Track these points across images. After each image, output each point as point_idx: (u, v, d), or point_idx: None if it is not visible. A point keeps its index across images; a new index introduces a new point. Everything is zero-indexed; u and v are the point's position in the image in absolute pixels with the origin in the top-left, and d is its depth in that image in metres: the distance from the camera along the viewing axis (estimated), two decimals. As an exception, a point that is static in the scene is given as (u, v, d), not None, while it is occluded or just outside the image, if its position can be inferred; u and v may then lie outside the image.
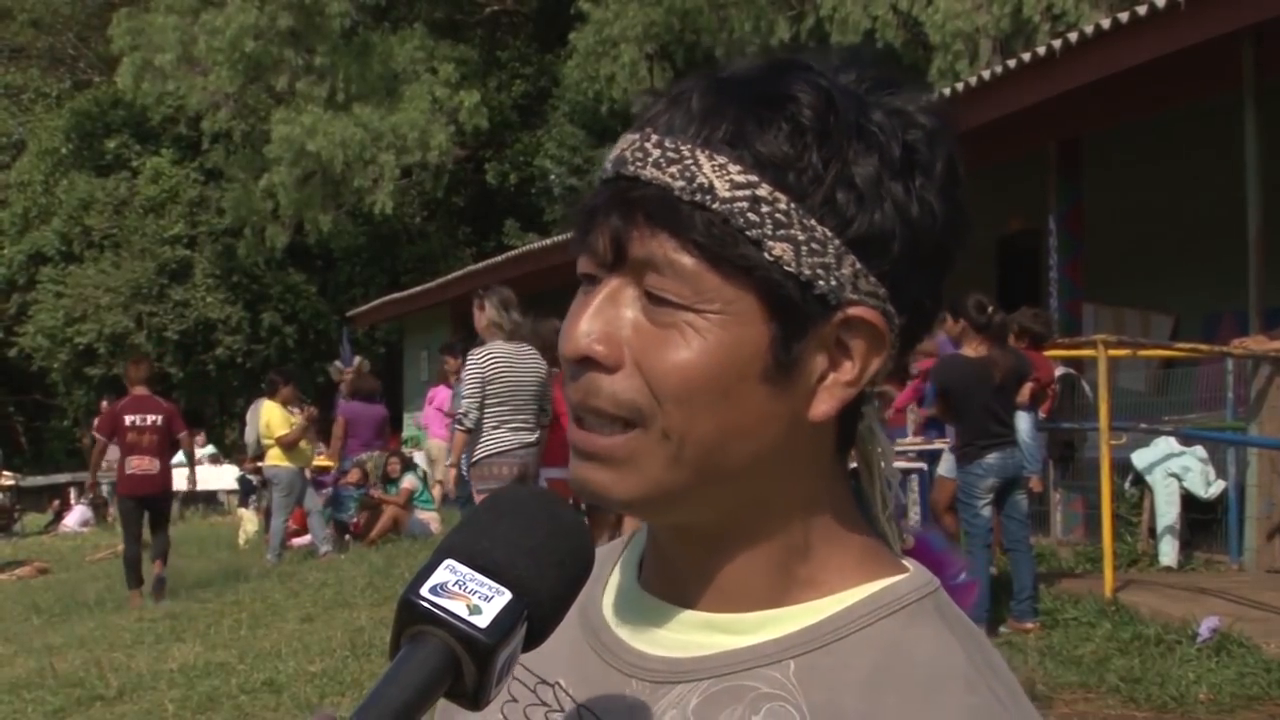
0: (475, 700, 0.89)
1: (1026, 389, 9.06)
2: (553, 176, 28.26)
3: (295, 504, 14.73)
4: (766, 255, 0.93)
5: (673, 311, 0.94)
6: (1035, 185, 12.30)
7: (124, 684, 8.22)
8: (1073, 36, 10.18)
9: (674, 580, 1.04)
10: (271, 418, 14.54)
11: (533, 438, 8.66)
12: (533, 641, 0.91)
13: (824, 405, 0.97)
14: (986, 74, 11.38)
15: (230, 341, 32.70)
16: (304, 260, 32.85)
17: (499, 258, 22.44)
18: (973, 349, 8.29)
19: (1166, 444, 10.36)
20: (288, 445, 14.39)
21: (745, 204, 0.93)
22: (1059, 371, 10.71)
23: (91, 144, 34.54)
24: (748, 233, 0.93)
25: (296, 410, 15.21)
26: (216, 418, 34.89)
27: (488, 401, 8.55)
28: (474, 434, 8.58)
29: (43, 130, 35.54)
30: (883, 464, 1.07)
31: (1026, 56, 10.72)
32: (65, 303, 32.55)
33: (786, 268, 0.94)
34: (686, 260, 0.94)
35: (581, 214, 0.99)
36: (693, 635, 1.01)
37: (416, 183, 29.37)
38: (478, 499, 8.65)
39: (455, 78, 27.11)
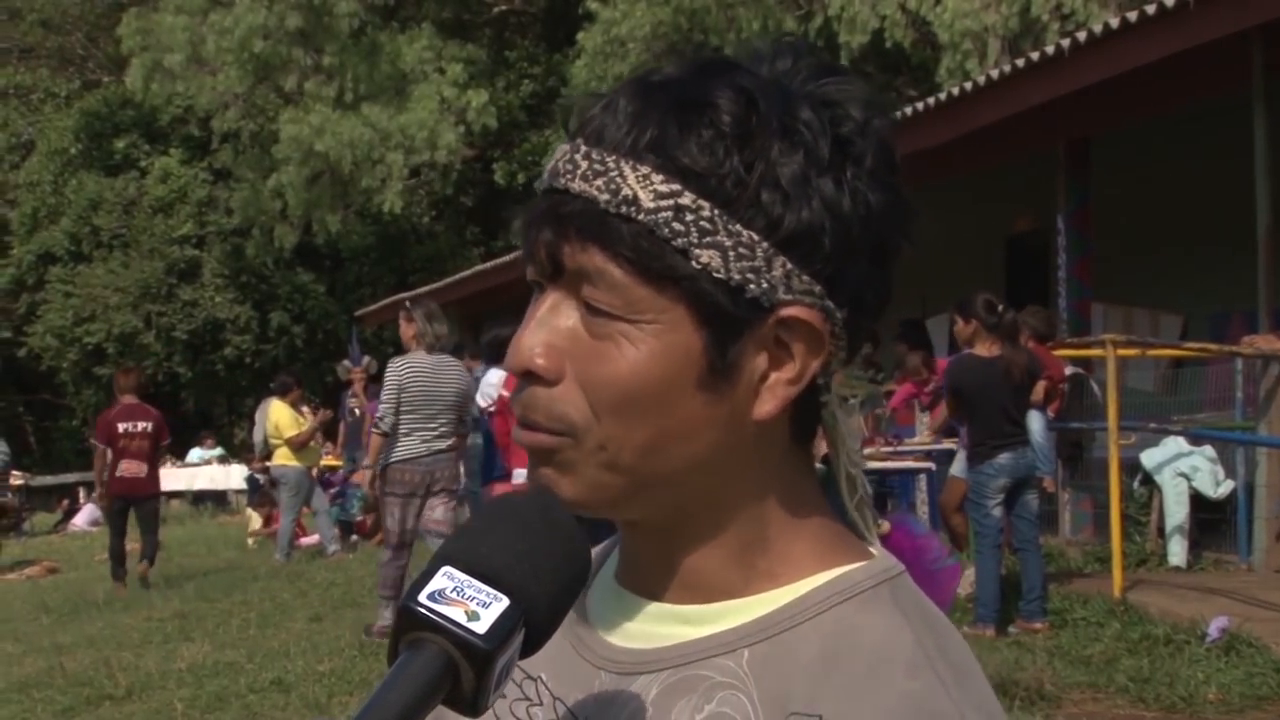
0: (473, 706, 0.90)
1: (1040, 387, 9.05)
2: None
3: (303, 504, 14.76)
4: (694, 264, 0.95)
5: (608, 322, 0.96)
6: (1044, 185, 12.27)
7: (133, 683, 8.23)
8: (1081, 36, 10.16)
9: (642, 574, 1.06)
10: (280, 418, 14.61)
11: (444, 445, 9.08)
12: (531, 646, 0.92)
13: (768, 405, 0.99)
14: (995, 73, 11.36)
15: (239, 341, 32.75)
16: (312, 260, 32.88)
17: (507, 257, 22.42)
18: (985, 349, 8.29)
19: (1175, 444, 10.34)
20: (298, 445, 14.45)
21: (670, 214, 0.95)
22: (1068, 371, 10.69)
23: (100, 144, 34.58)
24: (674, 242, 0.95)
25: (306, 410, 15.31)
26: (225, 417, 34.96)
27: (402, 410, 8.95)
28: (389, 438, 9.00)
29: (52, 130, 35.59)
30: (845, 454, 1.07)
31: (1035, 56, 10.70)
32: (74, 302, 32.60)
33: (715, 274, 0.95)
34: (616, 272, 0.96)
35: (523, 225, 1.02)
36: (658, 627, 1.03)
37: (425, 182, 29.38)
38: (384, 503, 9.26)
39: (463, 78, 27.09)
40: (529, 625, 0.90)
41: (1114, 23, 9.87)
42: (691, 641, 1.01)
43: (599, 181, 0.96)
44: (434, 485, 9.16)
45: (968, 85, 11.50)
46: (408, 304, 9.56)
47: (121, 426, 13.44)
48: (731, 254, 0.95)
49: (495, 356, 10.26)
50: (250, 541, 17.81)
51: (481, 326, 19.56)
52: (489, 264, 23.35)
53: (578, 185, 0.97)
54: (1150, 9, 9.35)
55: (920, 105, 11.87)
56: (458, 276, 23.53)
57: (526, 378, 0.99)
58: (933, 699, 0.93)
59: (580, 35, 24.05)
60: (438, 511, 9.22)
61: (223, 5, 26.50)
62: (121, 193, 33.58)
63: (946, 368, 8.88)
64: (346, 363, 18.52)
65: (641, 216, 0.95)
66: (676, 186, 0.95)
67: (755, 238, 0.95)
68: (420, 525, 9.23)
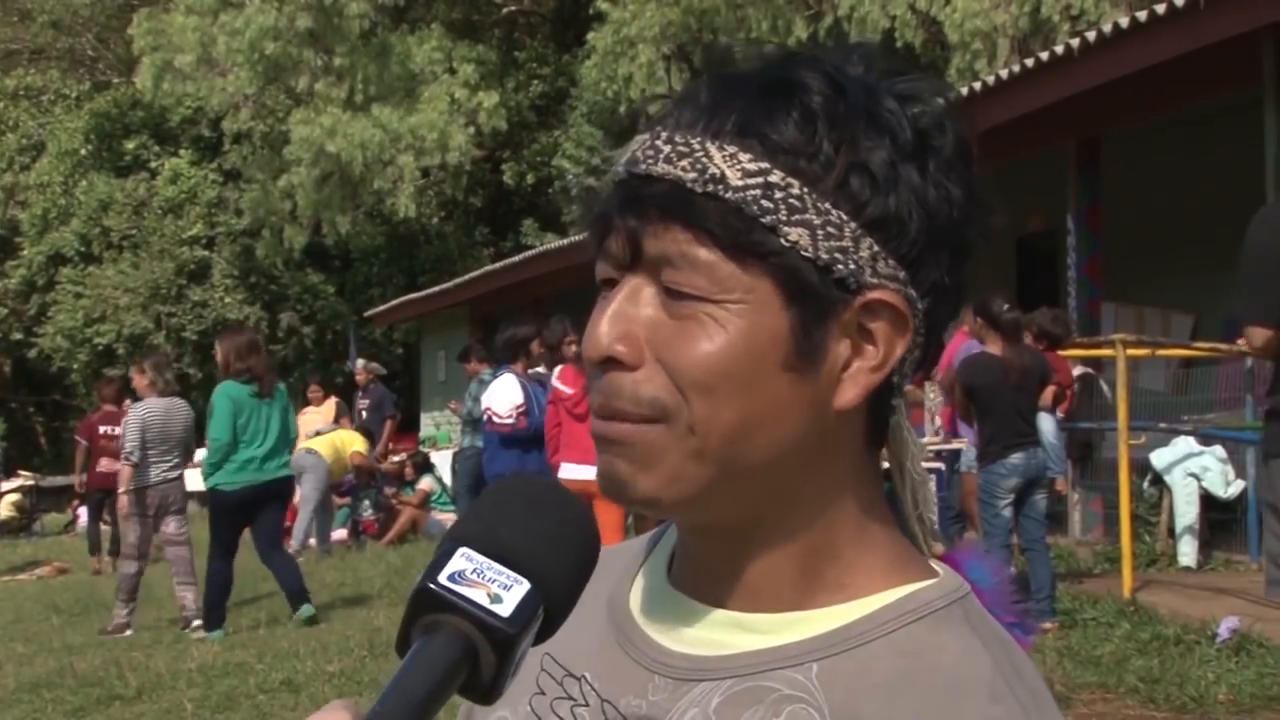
0: (489, 693, 0.87)
1: (1049, 392, 9.03)
2: (570, 176, 28.26)
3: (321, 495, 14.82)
4: (782, 241, 0.93)
5: (692, 304, 0.94)
6: (1054, 184, 12.26)
7: (143, 683, 8.24)
8: (1091, 35, 10.15)
9: (702, 578, 1.03)
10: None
11: (175, 474, 10.98)
12: (544, 634, 0.89)
13: (850, 393, 0.97)
14: (1005, 73, 11.35)
15: (249, 342, 32.76)
16: (322, 261, 32.89)
17: (516, 258, 22.46)
18: (996, 347, 8.29)
19: (1186, 444, 10.32)
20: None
21: (758, 191, 0.93)
22: (1077, 371, 10.67)
23: (111, 145, 34.61)
24: (762, 219, 0.93)
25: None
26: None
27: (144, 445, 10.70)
28: (137, 469, 10.68)
29: (62, 131, 35.62)
30: (910, 464, 1.06)
31: (1045, 55, 10.69)
32: (84, 303, 32.63)
33: (804, 252, 0.93)
34: (702, 252, 0.93)
35: (596, 220, 0.99)
36: (718, 634, 1.01)
37: (435, 183, 29.39)
38: (127, 521, 10.92)
39: (474, 79, 27.10)
40: (546, 610, 0.88)
41: (1124, 22, 9.85)
42: (757, 651, 0.98)
43: (684, 162, 0.94)
44: (168, 506, 10.94)
45: (977, 85, 11.49)
46: (139, 359, 11.88)
47: (101, 429, 15.27)
48: (820, 232, 0.94)
49: (511, 356, 10.27)
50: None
51: (489, 327, 19.59)
52: (499, 264, 23.38)
53: (661, 168, 0.95)
54: (1160, 8, 9.33)
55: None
56: (467, 277, 23.55)
57: (605, 364, 0.97)
58: None
59: (590, 35, 24.08)
60: (171, 526, 11.04)
61: (233, 6, 26.53)
62: (131, 194, 33.59)
63: (960, 366, 8.86)
64: (360, 361, 18.67)
65: (729, 195, 0.93)
66: (765, 165, 0.93)
67: (843, 217, 0.94)
68: (159, 537, 11.18)
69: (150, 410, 10.78)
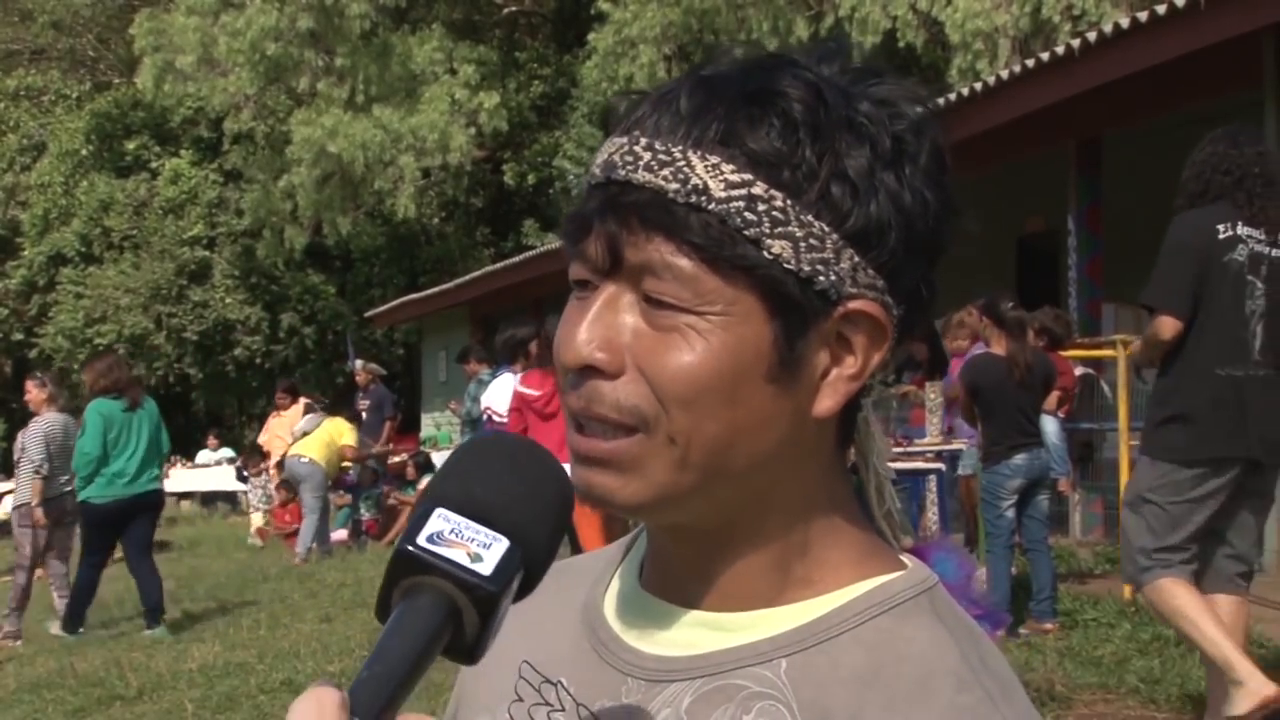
0: (473, 653, 0.87)
1: (1053, 397, 9.02)
2: (571, 177, 28.27)
3: (323, 502, 14.81)
4: (765, 254, 0.93)
5: (673, 315, 0.94)
6: (1055, 184, 12.26)
7: (143, 684, 8.24)
8: (1092, 35, 10.15)
9: (673, 580, 1.04)
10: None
11: (69, 487, 11.08)
12: (523, 591, 0.89)
13: (828, 401, 0.97)
14: (1006, 73, 11.34)
15: (249, 342, 32.79)
16: (323, 261, 32.92)
17: (517, 258, 22.47)
18: (1000, 345, 8.28)
19: (1186, 444, 10.29)
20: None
21: (741, 203, 0.92)
22: (1078, 372, 10.66)
23: (111, 145, 34.65)
24: (745, 232, 0.93)
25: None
26: (235, 418, 35.00)
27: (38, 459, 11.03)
28: (47, 481, 11.08)
29: (63, 132, 35.66)
30: (875, 459, 1.06)
31: (1046, 56, 10.69)
32: (85, 304, 32.66)
33: (786, 265, 0.93)
34: (685, 263, 0.93)
35: (573, 221, 0.99)
36: (688, 634, 1.01)
37: (436, 184, 29.40)
38: (20, 533, 11.30)
39: (475, 79, 27.10)
40: (525, 567, 0.88)
41: (1125, 22, 9.85)
42: (726, 650, 0.99)
43: (665, 172, 0.93)
44: (65, 518, 11.36)
45: (978, 85, 11.48)
46: (39, 374, 12.18)
47: None
48: (802, 245, 0.93)
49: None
50: (259, 542, 17.83)
51: (489, 327, 19.60)
52: (499, 265, 23.39)
53: (641, 176, 0.94)
54: (1161, 8, 9.33)
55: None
56: (468, 277, 23.57)
57: (583, 373, 0.96)
58: (984, 713, 0.93)
59: (591, 36, 24.08)
60: (66, 539, 11.61)
61: (234, 6, 26.54)
62: (132, 194, 33.63)
63: (963, 367, 8.85)
64: (358, 362, 18.73)
65: (712, 206, 0.92)
66: (748, 176, 0.93)
67: (825, 229, 0.94)
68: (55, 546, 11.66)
69: (52, 425, 11.20)
